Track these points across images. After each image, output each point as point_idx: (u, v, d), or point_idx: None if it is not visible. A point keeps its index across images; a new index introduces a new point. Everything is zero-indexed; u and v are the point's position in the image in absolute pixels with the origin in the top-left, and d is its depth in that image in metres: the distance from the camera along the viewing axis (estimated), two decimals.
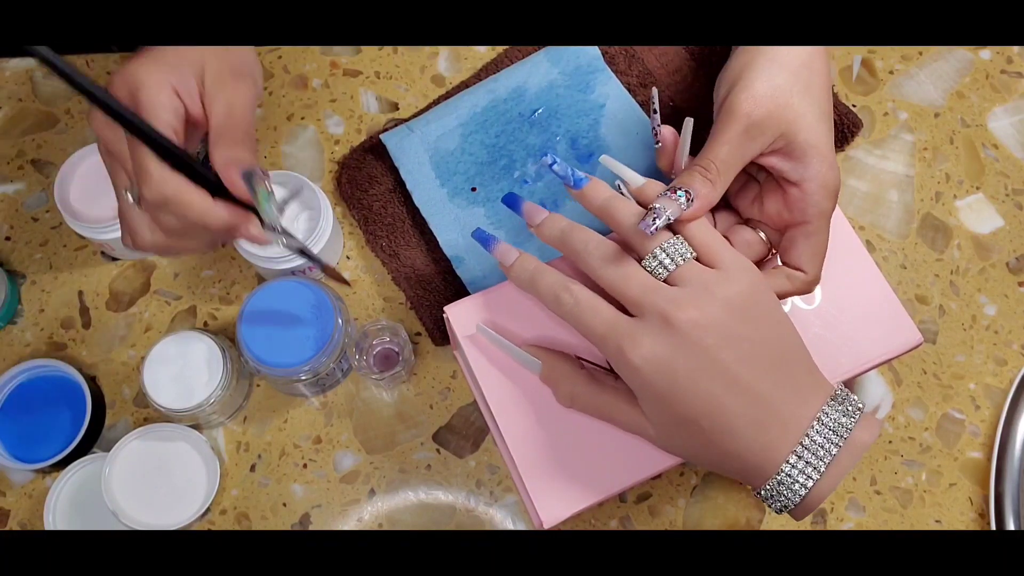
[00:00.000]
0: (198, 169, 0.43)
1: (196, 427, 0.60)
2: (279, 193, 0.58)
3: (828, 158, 0.48)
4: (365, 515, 0.61)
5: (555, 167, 0.47)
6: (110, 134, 0.44)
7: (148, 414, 0.62)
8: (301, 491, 0.61)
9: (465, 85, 0.68)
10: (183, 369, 0.58)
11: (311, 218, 0.60)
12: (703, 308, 0.43)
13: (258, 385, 0.63)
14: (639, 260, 0.45)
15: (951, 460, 0.63)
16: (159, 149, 0.42)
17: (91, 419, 0.59)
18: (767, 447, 0.43)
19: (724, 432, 0.43)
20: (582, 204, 0.48)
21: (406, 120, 0.67)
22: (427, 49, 0.71)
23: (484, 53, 0.71)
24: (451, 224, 0.62)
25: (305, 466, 0.61)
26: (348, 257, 0.66)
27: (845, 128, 0.68)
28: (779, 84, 0.48)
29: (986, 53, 0.73)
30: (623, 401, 0.47)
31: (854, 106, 0.70)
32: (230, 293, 0.64)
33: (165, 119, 0.43)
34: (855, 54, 0.72)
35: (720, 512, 0.61)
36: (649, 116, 0.55)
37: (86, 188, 0.61)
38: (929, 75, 0.72)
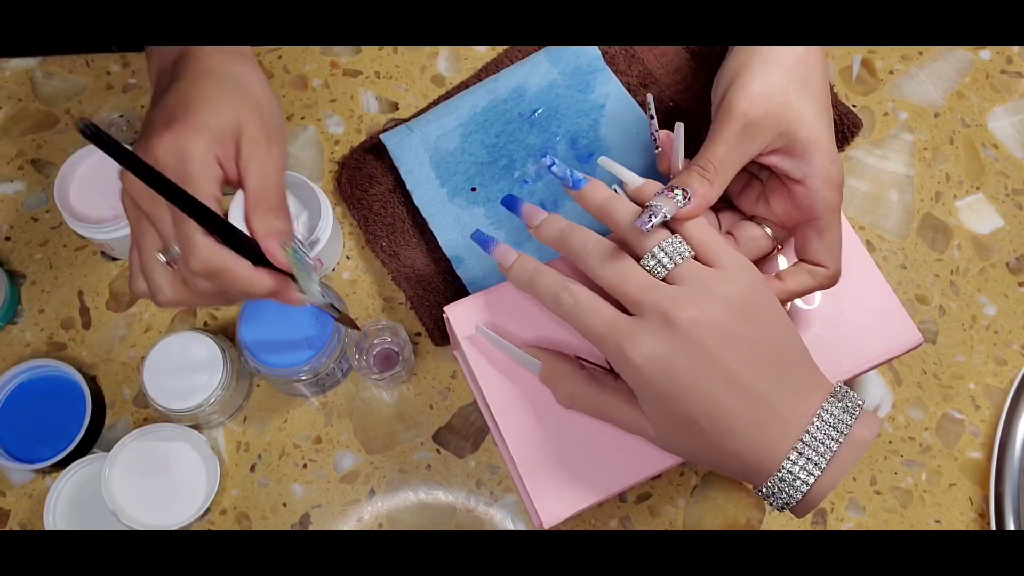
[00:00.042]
0: (243, 240, 0.44)
1: (196, 427, 0.60)
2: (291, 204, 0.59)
3: (830, 152, 0.48)
4: (365, 515, 0.61)
5: (554, 168, 0.47)
6: (146, 195, 0.43)
7: (148, 414, 0.62)
8: (301, 491, 0.61)
9: (465, 85, 0.68)
10: (183, 369, 0.58)
11: (311, 218, 0.60)
12: (703, 307, 0.43)
13: (258, 385, 0.63)
14: (638, 260, 0.46)
15: (951, 460, 0.63)
16: (206, 222, 0.42)
17: (91, 419, 0.59)
18: (767, 446, 0.43)
19: (724, 432, 0.43)
20: (581, 205, 0.48)
21: (406, 120, 0.67)
22: (427, 49, 0.71)
23: (484, 53, 0.71)
24: (451, 224, 0.62)
25: (305, 466, 0.61)
26: (348, 257, 0.66)
27: (845, 128, 0.68)
28: (775, 82, 0.48)
29: (986, 53, 0.73)
30: (623, 401, 0.47)
31: (854, 106, 0.70)
32: None
33: (210, 191, 0.43)
34: (855, 54, 0.72)
35: (720, 512, 0.61)
36: (648, 120, 0.55)
37: (86, 188, 0.61)
38: (929, 75, 0.72)
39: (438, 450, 0.62)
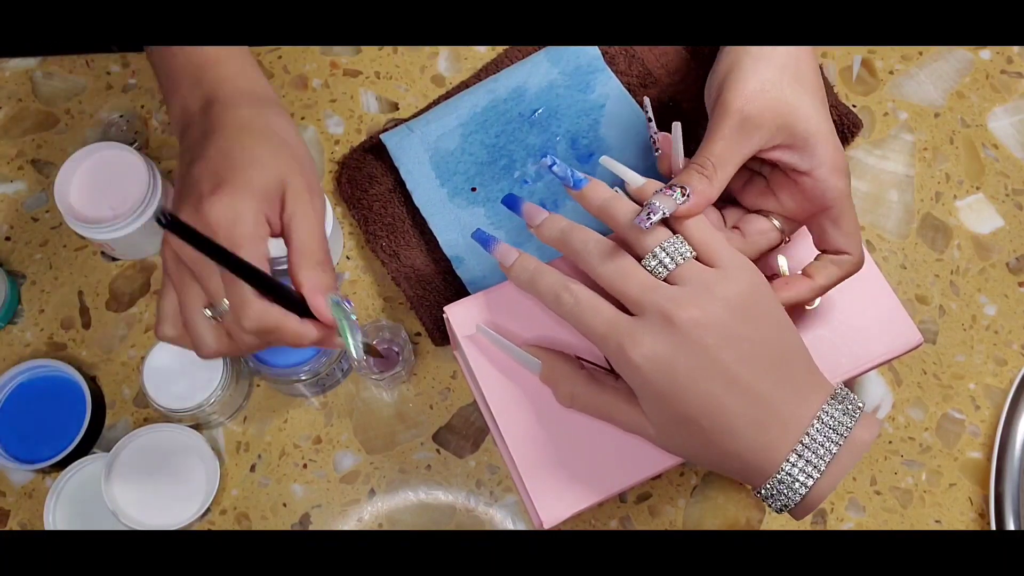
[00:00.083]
0: (291, 296, 0.45)
1: (196, 427, 0.60)
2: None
3: (832, 141, 0.49)
4: (365, 515, 0.61)
5: (555, 168, 0.47)
6: (193, 254, 0.44)
7: (148, 414, 0.62)
8: (301, 491, 0.61)
9: (465, 85, 0.68)
10: (183, 369, 0.58)
11: None
12: (704, 307, 0.43)
13: (258, 385, 0.63)
14: (639, 259, 0.45)
15: (951, 460, 0.63)
16: (259, 285, 0.43)
17: (91, 419, 0.59)
18: (767, 446, 0.43)
19: (724, 431, 0.43)
20: (581, 205, 0.48)
21: (406, 120, 0.67)
22: (427, 49, 0.71)
23: (484, 53, 0.71)
24: (451, 224, 0.62)
25: (305, 466, 0.61)
26: (348, 257, 0.66)
27: (845, 128, 0.68)
28: (768, 78, 0.48)
29: (986, 53, 0.73)
30: (623, 401, 0.47)
31: (854, 106, 0.70)
32: None
33: (261, 252, 0.44)
34: (855, 54, 0.72)
35: (720, 512, 0.61)
36: (647, 123, 0.55)
37: (86, 188, 0.61)
38: (929, 75, 0.72)
39: (438, 450, 0.62)
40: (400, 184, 0.65)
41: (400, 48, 0.71)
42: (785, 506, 0.44)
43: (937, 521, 0.62)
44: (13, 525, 0.60)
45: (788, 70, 0.49)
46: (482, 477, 0.61)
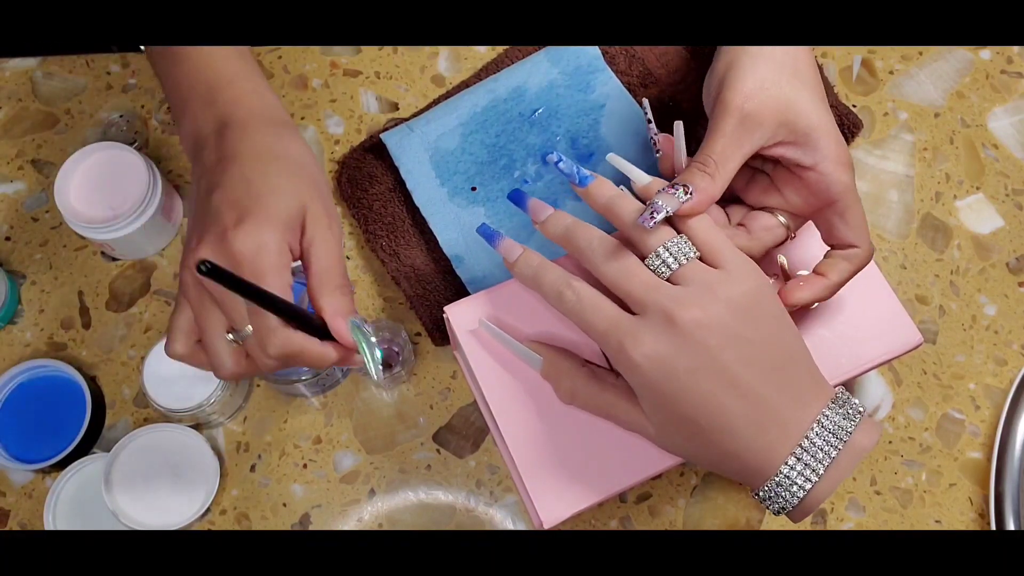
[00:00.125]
0: (312, 322, 0.46)
1: (196, 427, 0.60)
2: None
3: (834, 135, 0.49)
4: (365, 515, 0.61)
5: (560, 164, 0.48)
6: (215, 284, 0.44)
7: (148, 414, 0.62)
8: (301, 491, 0.61)
9: (465, 85, 0.68)
10: (183, 369, 0.58)
11: None
12: (706, 308, 0.43)
13: (258, 385, 0.63)
14: (642, 259, 0.45)
15: (951, 460, 0.63)
16: (284, 314, 0.44)
17: (91, 419, 0.59)
18: (766, 448, 0.43)
19: (723, 432, 0.43)
20: (587, 202, 0.48)
21: (406, 120, 0.67)
22: (427, 49, 0.71)
23: (484, 53, 0.71)
24: (451, 223, 0.62)
25: (305, 466, 0.61)
26: (348, 257, 0.66)
27: (845, 128, 0.68)
28: (767, 76, 0.48)
29: (986, 53, 0.73)
30: (623, 399, 0.47)
31: (854, 106, 0.70)
32: None
33: (285, 280, 0.45)
34: (855, 54, 0.72)
35: (720, 512, 0.61)
36: (646, 126, 0.55)
37: (86, 188, 0.61)
38: (929, 75, 0.72)
39: (438, 450, 0.62)
40: (400, 183, 0.65)
41: (400, 48, 0.71)
42: (783, 508, 0.44)
43: (937, 521, 0.62)
44: (13, 525, 0.60)
45: (786, 67, 0.49)
46: (482, 477, 0.61)
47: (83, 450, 0.60)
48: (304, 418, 0.62)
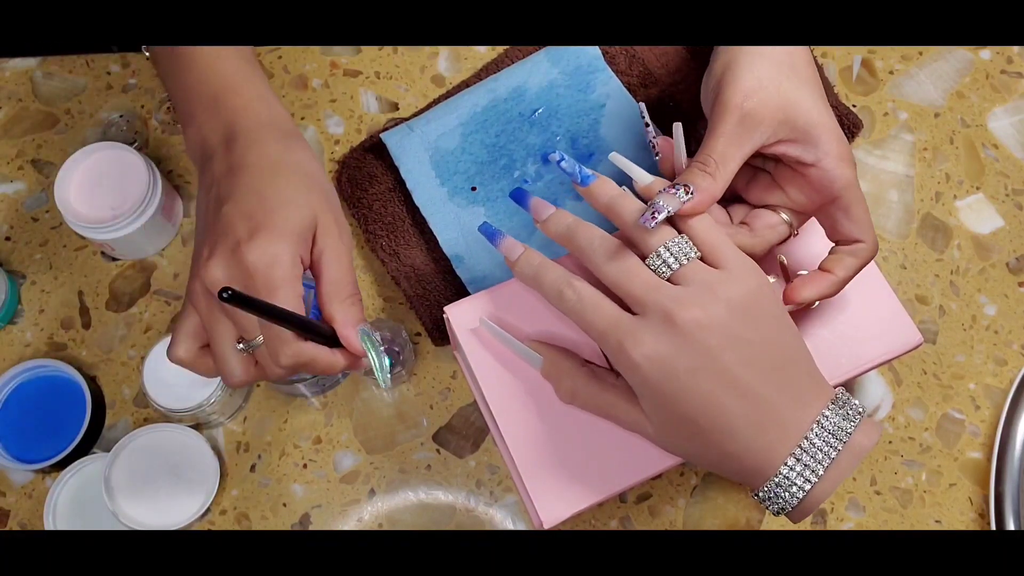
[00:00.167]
0: (323, 331, 0.46)
1: (196, 427, 0.60)
2: None
3: (834, 131, 0.49)
4: (365, 515, 0.61)
5: (563, 163, 0.48)
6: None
7: (148, 414, 0.62)
8: (301, 491, 0.61)
9: (465, 85, 0.68)
10: (183, 370, 0.58)
11: None
12: (706, 308, 0.43)
13: (258, 385, 0.63)
14: (643, 259, 0.45)
15: (951, 460, 0.63)
16: (297, 328, 0.45)
17: (91, 419, 0.59)
18: (766, 449, 0.43)
19: (723, 432, 0.43)
20: (588, 201, 0.48)
21: (406, 120, 0.67)
22: (427, 49, 0.71)
23: (484, 53, 0.71)
24: (451, 223, 0.62)
25: (305, 466, 0.61)
26: None
27: (845, 128, 0.67)
28: (764, 75, 0.48)
29: (986, 53, 0.73)
30: (623, 399, 0.47)
31: (854, 106, 0.70)
32: None
33: (297, 292, 0.46)
34: (855, 54, 0.72)
35: (720, 512, 0.61)
36: (644, 129, 0.55)
37: (86, 188, 0.61)
38: (929, 75, 0.72)
39: (438, 450, 0.62)
40: (400, 183, 0.65)
41: (400, 48, 0.71)
42: (782, 509, 0.44)
43: (937, 521, 0.62)
44: (13, 525, 0.60)
45: (784, 65, 0.49)
46: (482, 477, 0.61)
47: (83, 450, 0.60)
48: (304, 418, 0.62)
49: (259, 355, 0.47)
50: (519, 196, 0.49)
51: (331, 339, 0.47)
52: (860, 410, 0.45)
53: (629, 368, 0.44)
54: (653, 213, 0.44)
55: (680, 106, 0.66)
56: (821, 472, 0.43)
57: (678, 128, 0.50)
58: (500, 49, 0.70)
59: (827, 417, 0.44)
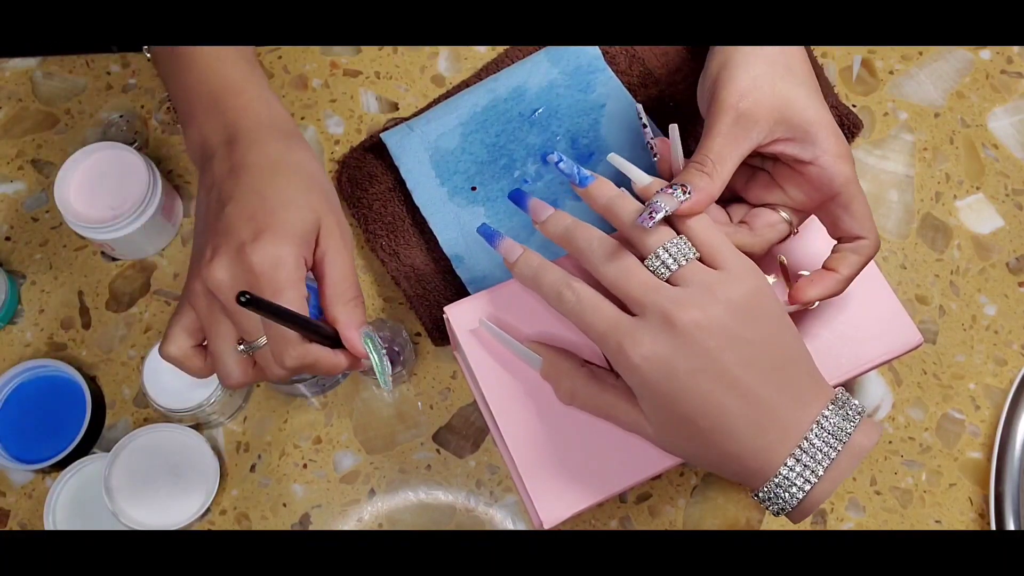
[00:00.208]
0: (326, 332, 0.47)
1: (196, 427, 0.60)
2: None
3: (831, 128, 0.49)
4: (365, 515, 0.61)
5: (561, 164, 0.47)
6: (231, 295, 0.45)
7: (148, 414, 0.62)
8: (301, 491, 0.61)
9: (465, 85, 0.69)
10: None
11: None
12: (705, 309, 0.43)
13: (258, 385, 0.63)
14: (642, 259, 0.45)
15: (951, 460, 0.63)
16: (302, 329, 0.45)
17: (91, 419, 0.59)
18: (765, 449, 0.43)
19: (723, 433, 0.43)
20: (587, 202, 0.48)
21: (406, 119, 0.67)
22: (427, 49, 0.71)
23: (484, 53, 0.71)
24: (451, 223, 0.62)
25: (305, 466, 0.61)
26: None
27: (845, 128, 0.67)
28: (759, 74, 0.48)
29: (986, 53, 0.73)
30: (623, 399, 0.47)
31: (854, 106, 0.70)
32: None
33: (301, 293, 0.46)
34: (855, 54, 0.72)
35: (720, 512, 0.61)
36: (641, 131, 0.55)
37: (86, 188, 0.61)
38: (929, 75, 0.72)
39: (438, 450, 0.62)
40: (400, 183, 0.65)
41: (400, 48, 0.71)
42: (782, 509, 0.44)
43: (937, 521, 0.62)
44: (13, 525, 0.60)
45: (779, 64, 0.49)
46: (482, 477, 0.61)
47: (83, 450, 0.60)
48: (304, 418, 0.62)
49: (259, 356, 0.47)
50: (518, 197, 0.49)
51: (334, 340, 0.47)
52: (860, 410, 0.45)
53: (628, 369, 0.44)
54: (651, 213, 0.44)
55: (680, 106, 0.66)
56: (821, 473, 0.43)
57: (674, 129, 0.50)
58: (500, 49, 0.70)
59: (827, 417, 0.44)
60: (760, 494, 0.44)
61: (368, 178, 0.65)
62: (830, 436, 0.43)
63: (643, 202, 0.47)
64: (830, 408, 0.44)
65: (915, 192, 0.69)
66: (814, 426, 0.43)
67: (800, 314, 0.53)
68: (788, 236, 0.51)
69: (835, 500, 0.62)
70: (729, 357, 0.43)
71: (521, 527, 0.61)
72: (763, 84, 0.48)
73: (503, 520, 0.61)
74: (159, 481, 0.58)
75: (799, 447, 0.43)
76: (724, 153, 0.47)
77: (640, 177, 0.48)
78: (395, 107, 0.69)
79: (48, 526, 0.58)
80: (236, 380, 0.47)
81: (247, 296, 0.39)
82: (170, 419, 0.59)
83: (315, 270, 0.48)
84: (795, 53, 0.50)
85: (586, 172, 0.48)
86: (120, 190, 0.61)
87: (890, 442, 0.63)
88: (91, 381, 0.62)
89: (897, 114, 0.70)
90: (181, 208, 0.66)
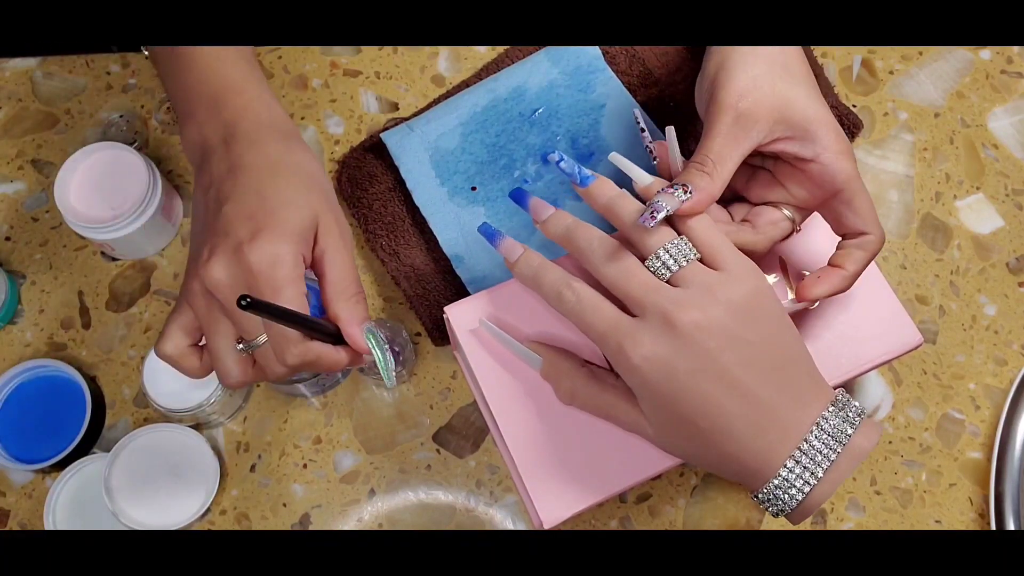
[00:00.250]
0: (327, 330, 0.47)
1: (196, 427, 0.60)
2: None
3: (831, 125, 0.49)
4: (365, 515, 0.61)
5: (562, 164, 0.47)
6: (231, 295, 0.45)
7: (148, 414, 0.62)
8: (301, 491, 0.61)
9: (465, 85, 0.69)
10: None
11: None
12: (705, 310, 0.43)
13: (258, 385, 0.63)
14: (643, 260, 0.45)
15: (951, 460, 0.63)
16: (303, 328, 0.45)
17: (91, 419, 0.59)
18: (765, 450, 0.43)
19: (723, 434, 0.43)
20: (587, 202, 0.48)
21: (406, 119, 0.67)
22: (427, 49, 0.71)
23: (484, 53, 0.71)
24: (451, 223, 0.62)
25: (305, 466, 0.61)
26: None
27: (845, 128, 0.67)
28: (758, 74, 0.48)
29: (986, 53, 0.73)
30: (623, 400, 0.47)
31: (854, 106, 0.70)
32: None
33: (300, 291, 0.46)
34: (855, 54, 0.72)
35: (720, 512, 0.61)
36: (639, 134, 0.55)
37: (86, 188, 0.61)
38: (929, 75, 0.72)
39: (438, 450, 0.62)
40: (400, 183, 0.65)
41: (400, 48, 0.71)
42: (782, 511, 0.44)
43: (937, 521, 0.62)
44: (13, 525, 0.60)
45: (776, 64, 0.49)
46: (482, 477, 0.61)
47: (83, 450, 0.60)
48: (304, 418, 0.62)
49: (259, 355, 0.47)
50: (518, 196, 0.49)
51: (336, 337, 0.47)
52: (860, 412, 0.45)
53: (628, 370, 0.44)
54: (652, 212, 0.44)
55: (680, 106, 0.66)
56: (820, 474, 0.43)
57: (671, 131, 0.50)
58: (500, 49, 0.70)
59: (827, 419, 0.44)
60: (759, 495, 0.44)
61: (368, 178, 0.65)
62: (830, 438, 0.43)
63: (644, 202, 0.47)
64: (830, 409, 0.44)
65: (915, 192, 0.69)
66: (814, 427, 0.43)
67: (800, 314, 0.53)
68: (791, 234, 0.51)
69: (835, 500, 0.62)
70: (729, 358, 0.43)
71: (521, 527, 0.61)
72: (762, 84, 0.48)
73: (503, 520, 0.61)
74: (159, 481, 0.58)
75: (799, 448, 0.43)
76: (724, 153, 0.47)
77: (641, 177, 0.48)
78: (395, 107, 0.69)
79: (48, 526, 0.58)
80: (236, 379, 0.47)
81: (248, 299, 0.39)
82: (170, 419, 0.59)
83: (315, 268, 0.48)
84: (793, 52, 0.50)
85: (587, 171, 0.48)
86: (120, 190, 0.61)
87: (890, 442, 0.63)
88: (91, 381, 0.62)
89: (897, 114, 0.70)
90: (181, 208, 0.66)
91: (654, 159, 0.52)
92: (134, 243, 0.62)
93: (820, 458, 0.43)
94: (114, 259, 0.65)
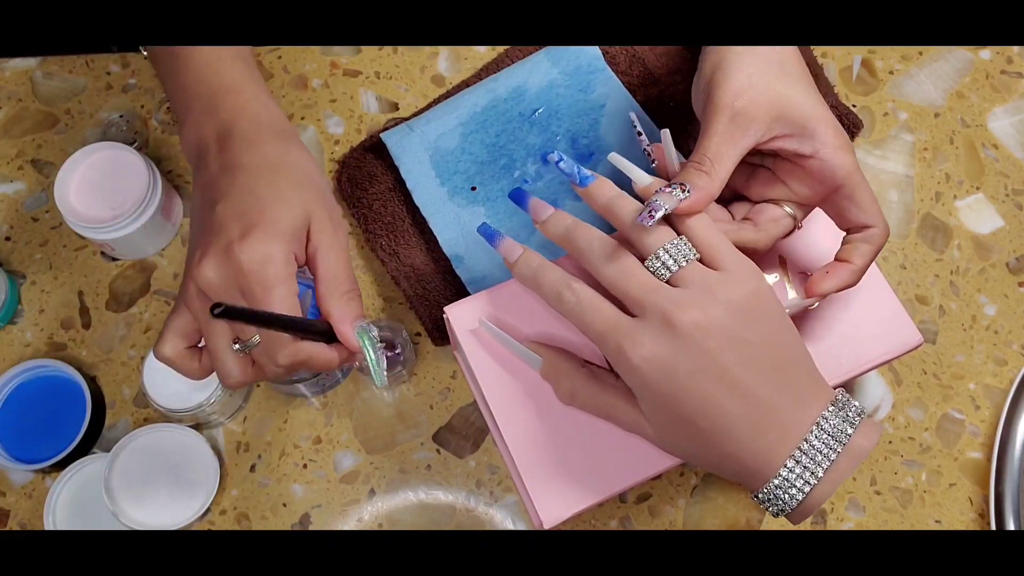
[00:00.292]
0: (319, 329, 0.47)
1: (196, 427, 0.60)
2: None
3: (829, 120, 0.49)
4: (365, 515, 0.61)
5: (561, 164, 0.47)
6: (225, 296, 0.45)
7: (148, 414, 0.62)
8: (301, 491, 0.61)
9: (465, 85, 0.69)
10: None
11: None
12: (705, 310, 0.43)
13: (258, 385, 0.63)
14: (642, 260, 0.45)
15: (951, 460, 0.63)
16: (294, 330, 0.45)
17: (91, 419, 0.59)
18: (765, 450, 0.43)
19: (722, 434, 0.43)
20: (587, 202, 0.48)
21: (406, 119, 0.67)
22: (427, 49, 0.71)
23: (484, 53, 0.71)
24: (451, 223, 0.62)
25: (305, 466, 0.61)
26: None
27: (845, 128, 0.67)
28: (754, 72, 0.48)
29: (986, 53, 0.73)
30: (623, 400, 0.47)
31: (854, 106, 0.70)
32: None
33: (292, 290, 0.46)
34: (855, 54, 0.72)
35: (720, 512, 0.61)
36: (637, 138, 0.55)
37: (86, 188, 0.61)
38: (929, 75, 0.72)
39: (438, 450, 0.62)
40: (400, 183, 0.65)
41: (400, 48, 0.71)
42: (782, 511, 0.44)
43: (937, 521, 0.62)
44: (13, 525, 0.60)
45: (773, 62, 0.49)
46: (482, 477, 0.61)
47: (83, 450, 0.60)
48: (304, 418, 0.62)
49: (257, 355, 0.47)
50: (518, 196, 0.49)
51: (328, 336, 0.47)
52: (860, 412, 0.45)
53: (628, 370, 0.44)
54: (651, 212, 0.44)
55: (680, 106, 0.66)
56: (820, 474, 0.43)
57: (666, 134, 0.50)
58: (500, 49, 0.70)
59: (827, 419, 0.44)
60: (760, 495, 0.44)
61: (368, 178, 0.65)
62: (830, 438, 0.43)
63: (643, 202, 0.47)
64: (830, 409, 0.44)
65: (915, 192, 0.69)
66: (814, 427, 0.43)
67: (800, 315, 0.53)
68: (793, 231, 0.51)
69: (835, 500, 0.62)
70: (729, 358, 0.43)
71: (521, 527, 0.61)
72: (758, 83, 0.48)
73: (503, 520, 0.61)
74: (159, 481, 0.58)
75: (799, 448, 0.43)
76: (722, 152, 0.47)
77: (640, 177, 0.48)
78: (395, 107, 0.69)
79: (48, 526, 0.58)
80: (236, 379, 0.47)
81: (221, 307, 0.39)
82: (170, 419, 0.59)
83: (309, 266, 0.48)
84: (788, 51, 0.50)
85: (587, 172, 0.48)
86: (120, 190, 0.61)
87: (890, 442, 0.63)
88: (91, 381, 0.62)
89: (897, 114, 0.70)
90: (181, 208, 0.66)
91: (652, 162, 0.52)
92: (134, 243, 0.62)
93: (820, 458, 0.43)
94: (114, 259, 0.65)
